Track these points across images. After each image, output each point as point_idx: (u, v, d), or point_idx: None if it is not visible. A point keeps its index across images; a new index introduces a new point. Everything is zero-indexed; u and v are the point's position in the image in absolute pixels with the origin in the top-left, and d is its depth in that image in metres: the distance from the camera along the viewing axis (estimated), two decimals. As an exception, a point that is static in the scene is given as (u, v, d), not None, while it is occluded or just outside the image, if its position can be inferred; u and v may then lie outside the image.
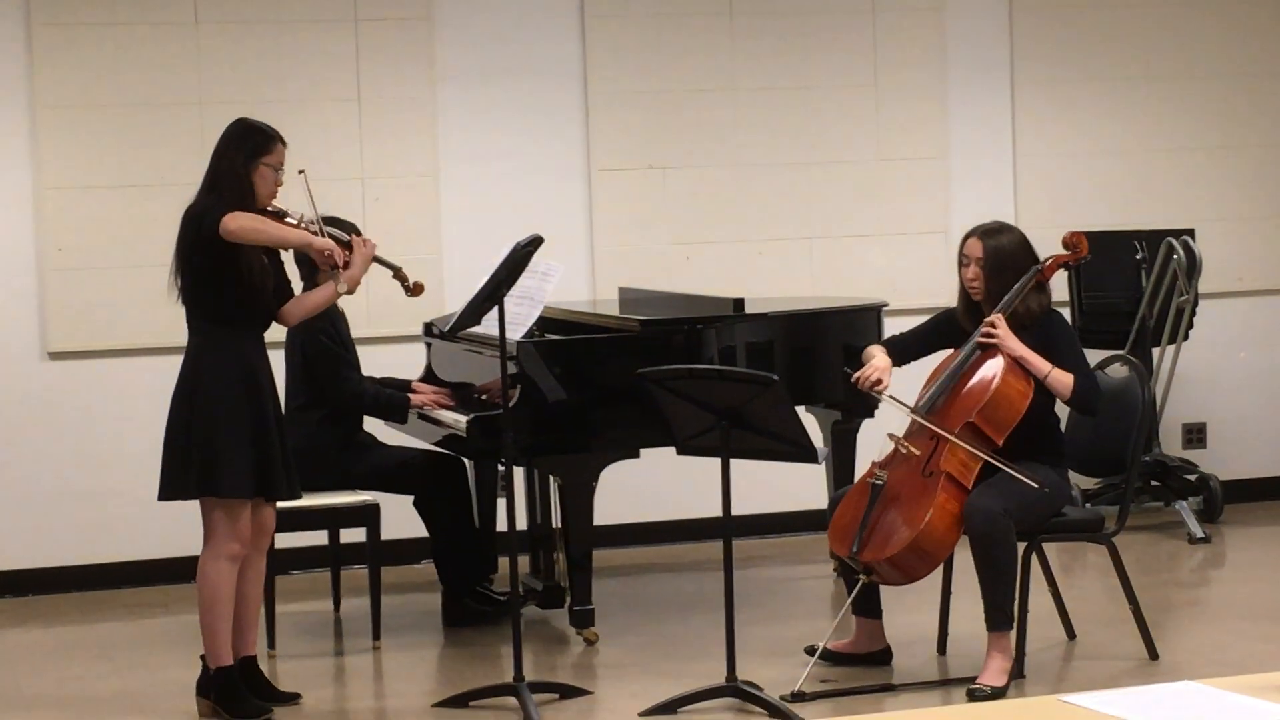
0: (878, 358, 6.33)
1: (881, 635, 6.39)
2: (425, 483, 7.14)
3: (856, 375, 6.31)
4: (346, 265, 6.05)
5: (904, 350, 6.50)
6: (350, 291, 6.15)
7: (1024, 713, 3.52)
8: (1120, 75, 9.16)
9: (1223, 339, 9.30)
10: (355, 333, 7.26)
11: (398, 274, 6.31)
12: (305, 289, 6.59)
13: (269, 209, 6.00)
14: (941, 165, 8.97)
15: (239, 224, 5.83)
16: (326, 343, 6.96)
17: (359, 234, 6.33)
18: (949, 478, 6.00)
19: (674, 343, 6.80)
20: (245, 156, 5.94)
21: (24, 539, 8.09)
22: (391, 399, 7.13)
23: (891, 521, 6.02)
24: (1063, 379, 6.09)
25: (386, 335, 8.05)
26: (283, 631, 6.97)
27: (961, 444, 6.00)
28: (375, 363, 7.45)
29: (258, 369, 5.98)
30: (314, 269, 6.63)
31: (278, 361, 6.38)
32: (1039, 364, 6.09)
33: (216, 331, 5.95)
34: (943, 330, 6.45)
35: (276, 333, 6.23)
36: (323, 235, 6.04)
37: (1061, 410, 6.31)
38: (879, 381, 6.25)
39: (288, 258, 6.30)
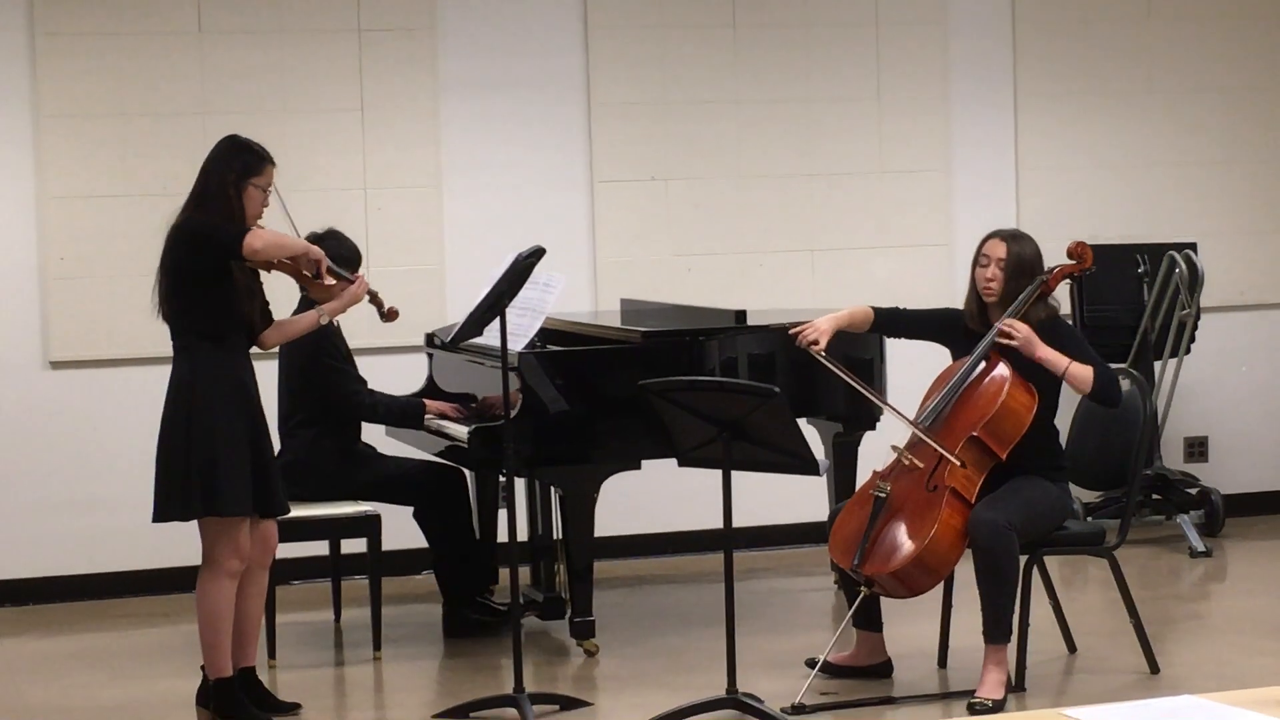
0: (824, 318, 6.24)
1: (882, 648, 6.38)
2: (425, 494, 7.13)
3: (794, 329, 6.28)
4: (330, 279, 6.05)
5: (894, 323, 6.45)
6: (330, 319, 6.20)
7: (1024, 726, 3.52)
8: (1123, 89, 9.17)
9: (1225, 352, 9.30)
10: (357, 343, 7.27)
11: (374, 298, 6.25)
12: (298, 310, 6.57)
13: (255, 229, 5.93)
14: (944, 178, 8.97)
15: (264, 241, 5.78)
16: (331, 363, 6.93)
17: (359, 260, 6.57)
18: (953, 492, 5.97)
19: (676, 354, 6.79)
20: (236, 175, 5.86)
21: (24, 548, 8.09)
22: (406, 406, 7.10)
23: (895, 535, 6.00)
24: (1082, 372, 6.01)
25: (388, 346, 8.04)
26: (283, 642, 6.96)
27: (961, 468, 5.96)
28: (378, 372, 7.44)
29: (248, 385, 5.94)
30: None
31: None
32: (1057, 360, 6.03)
33: (209, 348, 5.87)
34: (943, 325, 6.39)
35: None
36: None
37: (1062, 423, 6.30)
38: (815, 342, 6.20)
39: (272, 282, 6.19)
